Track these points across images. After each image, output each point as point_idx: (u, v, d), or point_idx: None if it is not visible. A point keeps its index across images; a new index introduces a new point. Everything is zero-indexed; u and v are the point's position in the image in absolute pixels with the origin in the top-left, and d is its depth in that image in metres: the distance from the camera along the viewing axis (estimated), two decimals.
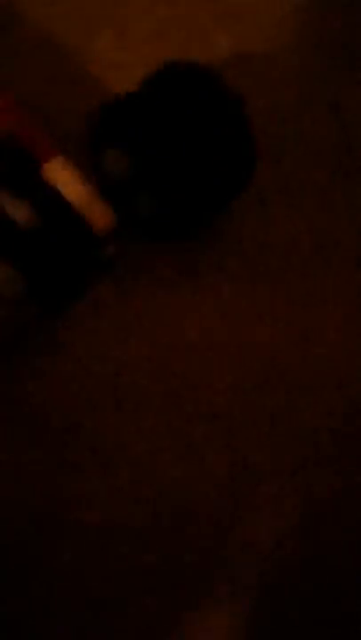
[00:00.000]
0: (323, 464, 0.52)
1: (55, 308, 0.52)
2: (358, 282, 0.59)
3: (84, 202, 0.50)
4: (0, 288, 0.47)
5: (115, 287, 0.57)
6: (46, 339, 0.55)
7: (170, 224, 0.54)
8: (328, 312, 0.57)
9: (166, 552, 0.49)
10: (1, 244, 0.47)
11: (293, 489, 0.51)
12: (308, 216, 0.60)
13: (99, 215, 0.50)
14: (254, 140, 0.53)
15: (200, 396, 0.55)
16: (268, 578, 0.49)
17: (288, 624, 0.48)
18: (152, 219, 0.54)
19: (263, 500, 0.51)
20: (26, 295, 0.49)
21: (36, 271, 0.49)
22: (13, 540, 0.48)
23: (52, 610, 0.47)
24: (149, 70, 0.67)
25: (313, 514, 0.51)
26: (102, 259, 0.52)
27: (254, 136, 0.53)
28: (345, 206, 0.61)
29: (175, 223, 0.54)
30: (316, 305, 0.57)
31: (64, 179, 0.51)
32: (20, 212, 0.48)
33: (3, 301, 0.48)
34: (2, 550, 0.48)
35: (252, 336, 0.57)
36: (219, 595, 0.48)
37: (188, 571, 0.48)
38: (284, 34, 0.69)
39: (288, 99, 0.66)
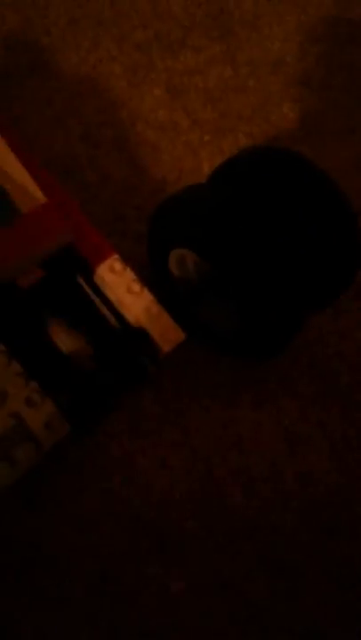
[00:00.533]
0: None
1: (89, 427, 0.42)
2: None
3: (149, 314, 0.40)
4: (40, 434, 0.36)
5: (157, 400, 0.47)
6: (72, 462, 0.44)
7: (249, 341, 0.43)
8: None
9: None
10: (50, 379, 0.37)
11: None
12: None
13: (166, 331, 0.40)
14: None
15: (257, 537, 0.44)
16: None
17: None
18: (227, 334, 0.43)
19: None
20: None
21: (82, 403, 0.38)
22: None
23: None
24: (203, 138, 0.59)
25: None
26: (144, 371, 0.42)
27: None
28: None
29: (256, 340, 0.43)
30: None
31: (124, 285, 0.40)
32: (70, 344, 0.37)
33: (37, 444, 0.37)
34: None
35: (320, 470, 0.47)
36: None
37: None
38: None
39: None
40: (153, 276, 0.46)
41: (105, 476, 0.43)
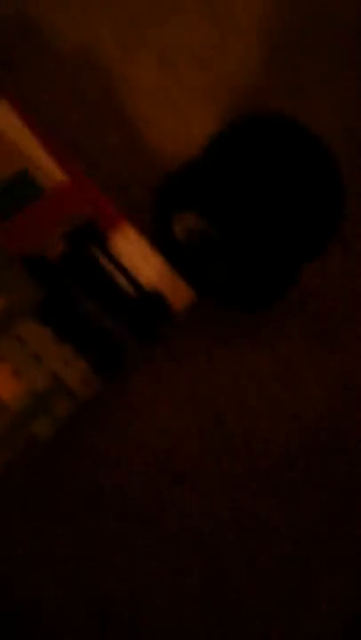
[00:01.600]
0: None
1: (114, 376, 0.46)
2: None
3: (162, 276, 0.43)
4: (76, 388, 0.41)
5: (169, 352, 0.51)
6: (99, 412, 0.48)
7: (246, 294, 0.48)
8: None
9: None
10: (80, 339, 0.41)
11: None
12: None
13: (177, 291, 0.43)
14: (343, 193, 0.46)
15: (258, 461, 0.50)
16: None
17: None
18: (228, 288, 0.47)
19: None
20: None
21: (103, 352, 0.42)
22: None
23: None
24: (197, 110, 0.61)
25: None
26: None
27: (344, 188, 0.46)
28: None
29: (252, 293, 0.47)
30: None
31: (137, 250, 0.44)
32: (91, 305, 0.41)
33: (74, 397, 0.41)
34: None
35: (309, 397, 0.52)
36: None
37: None
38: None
39: None
40: (157, 241, 0.49)
41: (128, 422, 0.48)
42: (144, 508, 0.47)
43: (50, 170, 0.43)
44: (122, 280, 0.43)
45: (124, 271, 0.43)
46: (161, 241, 0.48)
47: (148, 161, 0.57)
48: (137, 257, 0.44)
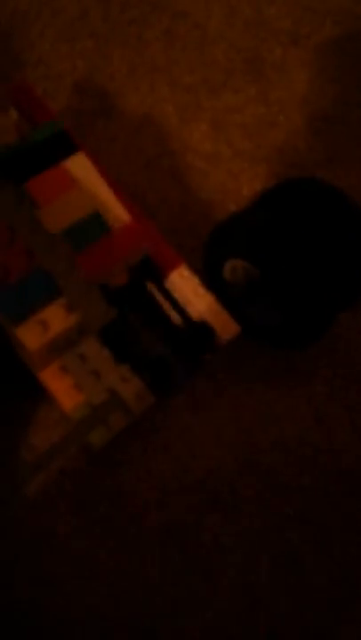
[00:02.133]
0: None
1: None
2: None
3: (211, 311, 0.48)
4: (132, 404, 0.45)
5: (212, 383, 0.55)
6: (144, 432, 0.52)
7: (285, 333, 0.52)
8: None
9: None
10: (133, 359, 0.46)
11: None
12: None
13: (225, 325, 0.48)
14: None
15: (292, 497, 0.53)
16: None
17: None
18: (268, 326, 0.52)
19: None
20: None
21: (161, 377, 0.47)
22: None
23: None
24: (246, 167, 0.68)
25: None
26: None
27: None
28: None
29: (290, 333, 0.52)
30: None
31: (191, 289, 0.49)
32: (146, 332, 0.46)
33: (128, 412, 0.46)
34: None
35: (344, 443, 0.55)
36: None
37: None
38: None
39: None
40: (207, 282, 0.54)
41: (169, 444, 0.52)
42: (182, 526, 0.50)
43: (117, 213, 0.50)
44: (173, 312, 0.48)
45: (175, 304, 0.49)
46: (211, 282, 0.53)
47: (200, 213, 0.63)
48: (190, 293, 0.49)
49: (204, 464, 0.52)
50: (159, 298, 0.49)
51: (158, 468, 0.51)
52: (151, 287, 0.49)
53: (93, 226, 0.49)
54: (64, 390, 0.46)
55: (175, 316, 0.48)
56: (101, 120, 0.68)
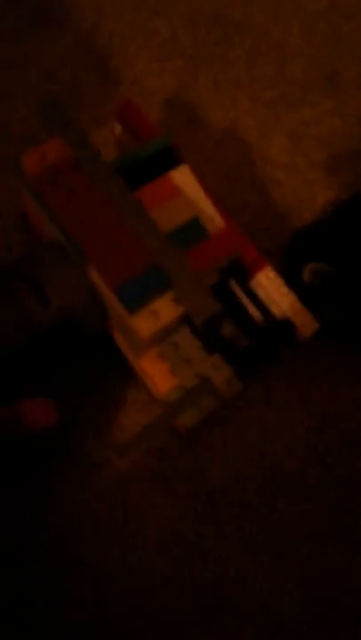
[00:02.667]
0: None
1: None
2: None
3: (294, 309, 0.53)
4: (223, 389, 0.50)
5: (287, 377, 0.60)
6: (224, 419, 0.58)
7: (358, 332, 0.57)
8: None
9: None
10: (225, 351, 0.51)
11: None
12: None
13: (306, 322, 0.53)
14: None
15: (355, 488, 0.56)
16: None
17: None
18: (345, 325, 0.56)
19: None
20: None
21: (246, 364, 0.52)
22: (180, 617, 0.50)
23: None
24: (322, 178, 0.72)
25: None
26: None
27: None
28: None
29: None
30: None
31: (275, 288, 0.54)
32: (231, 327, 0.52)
33: (218, 396, 0.51)
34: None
35: None
36: None
37: None
38: None
39: None
40: (289, 283, 0.59)
41: (246, 431, 0.57)
42: (254, 506, 0.55)
43: (214, 219, 0.55)
44: (257, 310, 0.53)
45: (259, 303, 0.54)
46: (291, 283, 0.58)
47: (276, 219, 0.68)
48: (274, 292, 0.54)
49: (276, 451, 0.56)
50: (242, 295, 0.54)
51: (236, 451, 0.56)
52: (235, 286, 0.54)
53: (193, 230, 0.55)
54: (161, 374, 0.51)
55: (258, 313, 0.53)
56: (188, 132, 0.73)
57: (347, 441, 0.58)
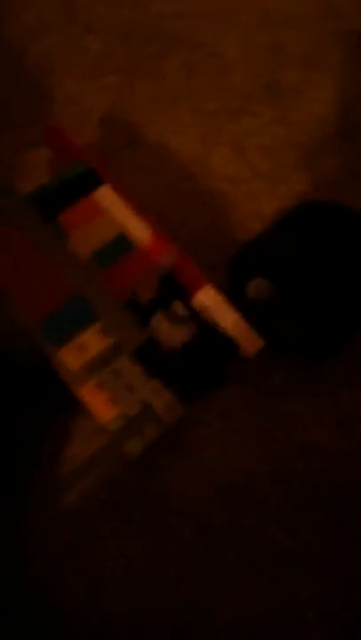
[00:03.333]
0: None
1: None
2: None
3: (237, 327, 0.51)
4: (163, 414, 0.48)
5: (240, 393, 0.58)
6: (177, 441, 0.55)
7: (306, 345, 0.55)
8: None
9: None
10: (158, 366, 0.49)
11: None
12: None
13: (250, 339, 0.51)
14: None
15: (320, 503, 0.54)
16: None
17: None
18: (290, 339, 0.55)
19: None
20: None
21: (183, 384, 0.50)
22: None
23: None
24: (266, 190, 0.70)
25: None
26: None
27: None
28: None
29: (311, 344, 0.54)
30: None
31: (217, 306, 0.52)
32: (175, 338, 0.49)
33: (161, 422, 0.49)
34: None
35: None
36: None
37: None
38: None
39: None
40: (232, 299, 0.57)
41: (200, 452, 0.55)
42: (213, 529, 0.52)
43: (141, 235, 0.54)
44: (199, 328, 0.51)
45: (202, 321, 0.52)
46: (235, 298, 0.56)
47: (221, 232, 0.66)
48: (216, 309, 0.52)
49: (233, 471, 0.54)
50: (184, 314, 0.52)
51: (190, 474, 0.53)
52: (177, 305, 0.52)
53: (119, 246, 0.53)
54: (101, 404, 0.49)
55: (200, 331, 0.51)
56: (128, 150, 0.72)
57: (308, 453, 0.56)
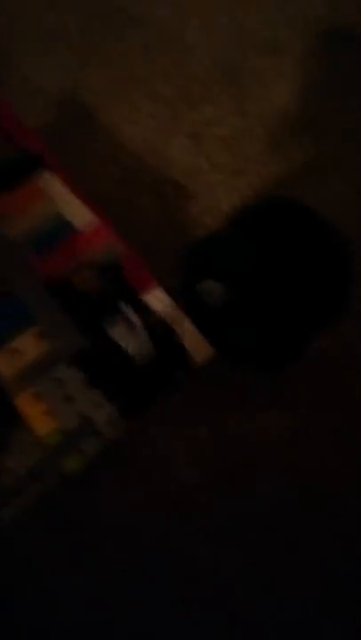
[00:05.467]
0: None
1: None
2: None
3: (186, 333, 0.47)
4: (105, 429, 0.43)
5: (188, 404, 0.54)
6: (119, 456, 0.51)
7: (261, 353, 0.51)
8: None
9: None
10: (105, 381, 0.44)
11: None
12: None
13: (198, 347, 0.47)
14: (354, 275, 0.50)
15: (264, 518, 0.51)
16: None
17: None
18: (244, 347, 0.50)
19: None
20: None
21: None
22: None
23: None
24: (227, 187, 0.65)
25: None
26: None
27: (354, 271, 0.50)
28: None
29: (266, 353, 0.50)
30: None
31: (164, 310, 0.47)
32: (131, 346, 0.45)
33: (101, 437, 0.44)
34: None
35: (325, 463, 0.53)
36: None
37: None
38: None
39: None
40: (182, 302, 0.53)
41: (144, 467, 0.51)
42: (156, 549, 0.48)
43: (85, 219, 0.50)
44: (144, 332, 0.47)
45: (147, 324, 0.47)
46: (186, 302, 0.51)
47: (177, 228, 0.61)
48: (163, 314, 0.47)
49: (178, 485, 0.50)
50: (132, 317, 0.47)
51: (132, 491, 0.49)
52: (123, 307, 0.47)
53: (57, 229, 0.49)
54: (38, 416, 0.44)
55: (146, 337, 0.47)
56: (80, 134, 0.65)
57: (254, 466, 0.53)
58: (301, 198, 0.54)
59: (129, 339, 0.45)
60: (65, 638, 0.46)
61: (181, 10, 0.75)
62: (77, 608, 0.46)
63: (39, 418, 0.44)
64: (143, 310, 0.47)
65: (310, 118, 0.71)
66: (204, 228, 0.62)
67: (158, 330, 0.47)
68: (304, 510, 0.51)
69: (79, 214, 0.50)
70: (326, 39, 0.75)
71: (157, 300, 0.47)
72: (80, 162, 0.64)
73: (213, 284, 0.49)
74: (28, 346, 0.43)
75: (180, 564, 0.48)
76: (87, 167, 0.64)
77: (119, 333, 0.46)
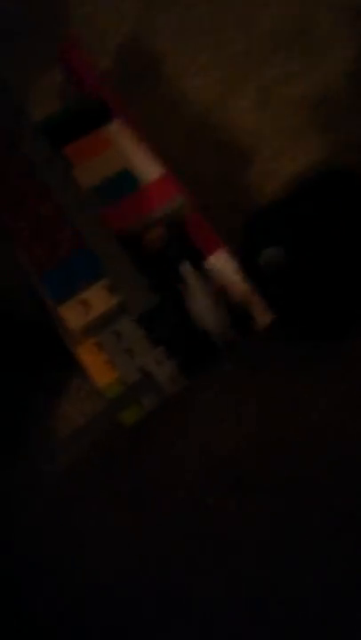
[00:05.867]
0: None
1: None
2: None
3: (248, 298, 0.46)
4: (166, 385, 0.44)
5: (244, 368, 0.54)
6: (173, 413, 0.51)
7: (318, 321, 0.50)
8: None
9: None
10: (169, 344, 0.44)
11: None
12: None
13: (260, 312, 0.46)
14: None
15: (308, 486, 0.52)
16: None
17: None
18: (302, 314, 0.50)
19: None
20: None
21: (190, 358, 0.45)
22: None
23: None
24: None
25: None
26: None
27: None
28: None
29: (323, 320, 0.50)
30: None
31: (229, 273, 0.47)
32: (197, 305, 0.44)
33: (161, 393, 0.44)
34: None
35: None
36: None
37: None
38: None
39: None
40: (243, 267, 0.52)
41: (196, 426, 0.51)
42: (200, 505, 0.49)
43: (151, 171, 0.49)
44: (207, 295, 0.46)
45: (211, 287, 0.46)
46: (247, 265, 0.51)
47: (239, 191, 0.60)
48: (228, 277, 0.47)
49: (226, 448, 0.51)
50: (193, 280, 0.46)
51: (183, 448, 0.50)
52: (187, 268, 0.47)
53: (124, 181, 0.48)
54: (99, 366, 0.44)
55: (209, 300, 0.46)
56: (146, 83, 0.63)
57: (304, 435, 0.53)
58: None
59: (194, 299, 0.45)
60: (118, 585, 0.47)
61: None
62: (112, 548, 0.48)
63: (100, 368, 0.44)
64: (208, 272, 0.47)
65: None
66: (264, 193, 0.60)
67: (222, 293, 0.46)
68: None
69: (146, 167, 0.49)
70: None
71: (223, 262, 0.47)
72: (142, 114, 0.63)
73: (275, 251, 0.48)
74: (98, 299, 0.43)
75: (210, 518, 0.49)
76: (148, 121, 0.63)
77: (186, 293, 0.45)
